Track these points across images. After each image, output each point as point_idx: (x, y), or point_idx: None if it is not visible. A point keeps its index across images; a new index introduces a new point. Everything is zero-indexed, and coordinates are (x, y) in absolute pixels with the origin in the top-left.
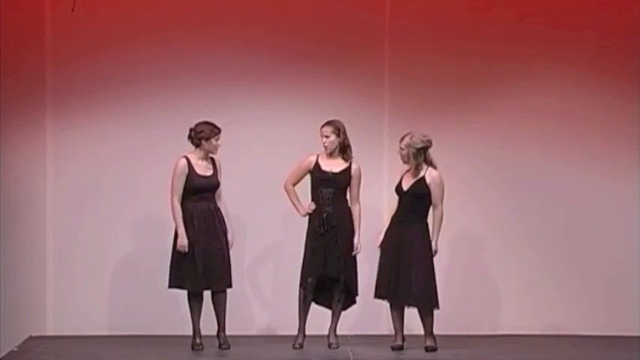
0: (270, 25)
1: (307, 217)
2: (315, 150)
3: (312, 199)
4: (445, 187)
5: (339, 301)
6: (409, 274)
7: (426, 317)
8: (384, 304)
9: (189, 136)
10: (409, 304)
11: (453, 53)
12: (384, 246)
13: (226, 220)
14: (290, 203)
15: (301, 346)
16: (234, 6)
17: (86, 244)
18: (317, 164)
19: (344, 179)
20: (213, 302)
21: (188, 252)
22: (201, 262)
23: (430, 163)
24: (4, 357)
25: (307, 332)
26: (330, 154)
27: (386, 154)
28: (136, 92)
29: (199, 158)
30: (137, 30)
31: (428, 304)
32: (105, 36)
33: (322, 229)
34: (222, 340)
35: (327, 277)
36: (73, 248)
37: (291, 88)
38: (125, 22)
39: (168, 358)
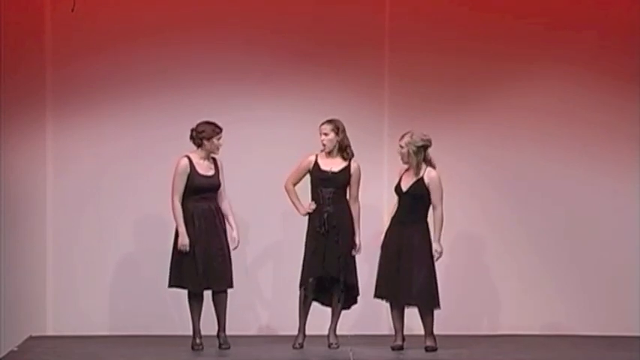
0: (270, 25)
1: (307, 217)
2: (315, 150)
3: (313, 199)
4: (445, 187)
5: (338, 301)
6: (409, 274)
7: (426, 317)
8: (384, 304)
9: (191, 136)
10: (409, 304)
11: (453, 53)
12: (384, 246)
13: (231, 219)
14: (290, 203)
15: (301, 346)
16: (234, 6)
17: (86, 244)
18: (316, 164)
19: (343, 178)
20: (213, 302)
21: (189, 252)
22: (202, 262)
23: (429, 163)
24: (4, 357)
25: (307, 332)
26: (329, 154)
27: (386, 153)
28: (136, 92)
29: (201, 158)
30: (137, 30)
31: (428, 304)
32: (105, 36)
33: (323, 228)
34: (223, 340)
35: (327, 277)
36: (73, 248)
37: (291, 88)
38: (125, 22)
39: (168, 358)
